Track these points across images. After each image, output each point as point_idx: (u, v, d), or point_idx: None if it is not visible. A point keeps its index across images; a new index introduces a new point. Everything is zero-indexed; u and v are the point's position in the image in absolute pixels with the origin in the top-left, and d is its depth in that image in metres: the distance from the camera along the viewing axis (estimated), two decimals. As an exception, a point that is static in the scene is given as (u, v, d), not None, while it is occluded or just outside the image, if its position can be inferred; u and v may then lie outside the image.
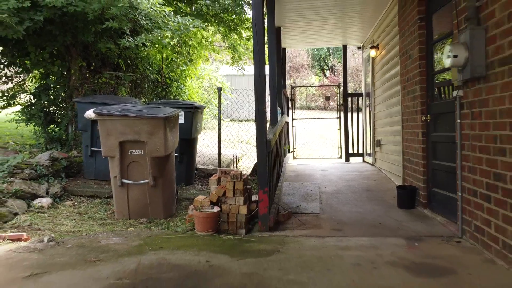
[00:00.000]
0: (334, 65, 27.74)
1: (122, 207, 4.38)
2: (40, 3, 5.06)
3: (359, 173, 6.80)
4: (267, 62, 5.39)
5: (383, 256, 2.92)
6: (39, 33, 5.81)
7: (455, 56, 2.88)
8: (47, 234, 3.61)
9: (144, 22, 5.54)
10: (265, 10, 5.04)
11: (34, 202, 4.68)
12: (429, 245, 3.19)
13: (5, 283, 2.53)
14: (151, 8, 5.16)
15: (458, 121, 3.30)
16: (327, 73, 28.93)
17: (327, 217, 4.20)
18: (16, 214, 4.29)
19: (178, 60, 9.98)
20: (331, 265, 2.76)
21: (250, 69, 6.87)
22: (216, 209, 3.72)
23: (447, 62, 2.97)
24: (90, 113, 4.25)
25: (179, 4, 7.14)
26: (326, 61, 29.64)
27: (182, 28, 5.31)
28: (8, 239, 3.50)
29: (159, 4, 5.29)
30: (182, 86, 10.64)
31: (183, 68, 10.43)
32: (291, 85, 9.97)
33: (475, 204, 3.08)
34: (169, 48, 7.15)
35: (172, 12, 5.77)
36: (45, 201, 4.76)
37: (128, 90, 8.26)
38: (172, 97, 9.96)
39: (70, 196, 5.24)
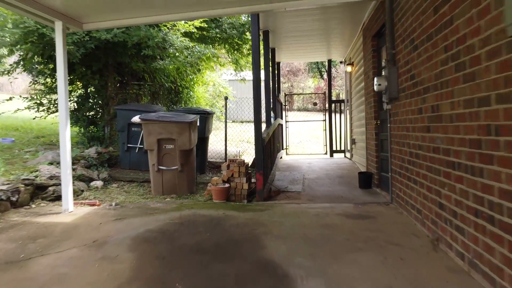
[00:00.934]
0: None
1: (158, 186, 6.06)
2: (93, 35, 6.73)
3: (337, 165, 8.50)
4: (263, 73, 7.08)
5: (335, 211, 4.60)
6: (87, 55, 7.49)
7: (379, 85, 4.56)
8: (113, 202, 5.30)
9: (171, 51, 7.24)
10: (262, 34, 6.72)
11: (91, 184, 6.36)
12: (368, 207, 4.87)
13: (103, 223, 4.21)
14: (179, 41, 6.85)
15: (388, 125, 4.98)
16: (325, 75, 30.60)
17: (306, 193, 5.88)
18: (82, 191, 5.97)
19: (188, 71, 11.70)
20: (300, 214, 4.44)
21: (250, 74, 8.56)
22: (227, 185, 5.40)
23: (375, 88, 4.66)
24: (136, 119, 5.94)
25: (196, 31, 8.85)
26: (324, 63, 31.24)
27: (199, 54, 7.02)
28: (86, 204, 5.18)
29: (181, 36, 6.98)
30: (191, 92, 12.34)
31: (192, 77, 12.14)
32: (285, 93, 11.67)
33: (395, 180, 4.76)
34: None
35: (191, 44, 7.48)
36: (99, 183, 6.43)
37: (149, 97, 9.96)
38: (183, 102, 11.66)
39: (114, 181, 6.92)
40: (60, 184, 5.05)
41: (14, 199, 4.70)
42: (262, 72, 6.72)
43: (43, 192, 5.17)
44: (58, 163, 6.17)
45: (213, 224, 4.08)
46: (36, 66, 7.85)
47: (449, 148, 3.08)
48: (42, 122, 9.92)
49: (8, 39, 7.13)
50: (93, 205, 5.17)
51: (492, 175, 2.44)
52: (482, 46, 2.52)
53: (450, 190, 3.08)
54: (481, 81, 2.55)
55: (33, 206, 4.95)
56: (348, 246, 3.36)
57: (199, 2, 4.47)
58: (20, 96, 8.41)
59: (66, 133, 4.71)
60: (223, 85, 16.78)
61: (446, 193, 3.16)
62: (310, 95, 22.98)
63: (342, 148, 10.26)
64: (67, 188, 4.67)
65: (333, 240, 3.53)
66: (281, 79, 24.28)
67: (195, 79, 12.79)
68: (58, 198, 5.17)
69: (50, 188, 5.24)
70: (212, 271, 2.85)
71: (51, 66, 7.71)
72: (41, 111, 8.16)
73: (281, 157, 9.68)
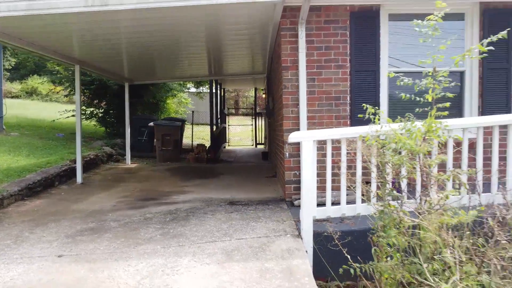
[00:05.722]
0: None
1: (161, 158, 12.06)
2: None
3: (255, 150, 14.94)
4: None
5: (247, 166, 10.94)
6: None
7: (265, 109, 10.96)
8: (144, 162, 11.30)
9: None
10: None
11: (124, 157, 12.22)
12: (261, 163, 11.23)
13: (148, 167, 10.24)
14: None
15: (268, 128, 11.39)
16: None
17: (235, 161, 12.17)
18: (124, 158, 11.84)
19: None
20: (230, 166, 10.77)
21: (206, 87, 14.90)
22: (196, 155, 11.56)
23: (265, 110, 11.04)
24: (151, 123, 11.90)
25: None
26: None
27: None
28: (133, 164, 11.11)
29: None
30: (165, 104, 18.35)
31: (167, 95, 18.17)
32: (227, 108, 18.00)
33: (270, 155, 11.19)
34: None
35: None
36: (127, 158, 12.30)
37: (141, 108, 15.82)
38: (159, 112, 17.61)
39: (132, 158, 12.80)
40: (118, 154, 10.93)
41: (104, 159, 10.55)
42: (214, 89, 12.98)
43: (111, 158, 11.03)
44: (107, 145, 12.01)
45: (192, 168, 10.26)
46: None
47: (274, 139, 9.46)
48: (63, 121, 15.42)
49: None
50: (135, 164, 11.11)
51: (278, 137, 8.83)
52: (280, 104, 8.90)
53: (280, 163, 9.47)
54: (279, 113, 8.93)
55: (110, 163, 10.81)
56: (250, 169, 9.68)
57: (191, 76, 10.64)
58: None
59: (127, 129, 10.66)
60: (184, 97, 22.87)
61: (279, 163, 9.56)
62: (248, 104, 29.35)
63: (263, 142, 16.70)
64: (129, 155, 10.64)
65: (243, 169, 9.84)
66: (230, 90, 30.71)
67: (168, 96, 18.81)
68: (118, 160, 11.05)
69: (114, 156, 11.11)
70: (193, 176, 9.04)
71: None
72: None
73: (224, 147, 15.95)
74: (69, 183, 7.64)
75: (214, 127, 12.72)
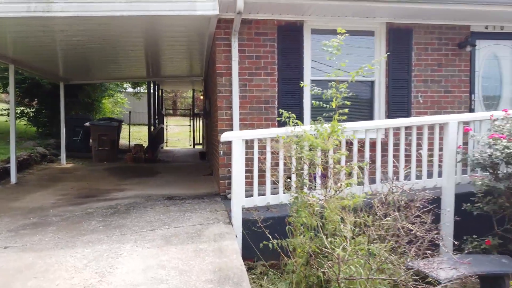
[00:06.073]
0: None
1: (97, 158, 12.06)
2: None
3: (193, 151, 15.33)
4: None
5: (184, 164, 11.33)
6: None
7: (203, 110, 11.44)
8: (80, 162, 11.26)
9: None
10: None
11: (58, 157, 12.05)
12: (198, 163, 11.68)
13: (85, 167, 10.28)
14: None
15: (205, 129, 11.87)
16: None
17: (173, 160, 12.49)
18: (59, 159, 11.69)
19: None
20: (168, 165, 11.09)
21: (144, 88, 15.05)
22: (134, 155, 11.74)
23: (203, 112, 11.52)
24: (87, 123, 11.87)
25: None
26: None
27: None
28: (69, 163, 11.03)
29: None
30: (101, 104, 18.09)
31: (103, 95, 17.92)
32: (165, 108, 18.18)
33: (207, 154, 11.69)
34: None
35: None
36: (62, 158, 12.14)
37: (76, 109, 15.54)
38: (95, 112, 17.35)
39: (67, 158, 12.64)
40: (51, 155, 10.82)
41: (37, 159, 10.40)
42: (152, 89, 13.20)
43: (45, 158, 10.87)
44: (40, 146, 11.79)
45: (130, 167, 10.48)
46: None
47: (211, 139, 9.97)
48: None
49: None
50: (71, 164, 11.06)
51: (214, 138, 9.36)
52: (215, 107, 9.44)
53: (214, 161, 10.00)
54: (214, 115, 9.45)
55: (44, 163, 10.66)
56: (188, 168, 10.09)
57: (129, 77, 10.82)
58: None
59: (62, 129, 10.60)
60: (120, 97, 22.58)
61: (214, 163, 10.08)
62: (186, 105, 29.54)
63: (201, 142, 17.11)
64: (64, 155, 10.58)
65: (181, 168, 10.23)
66: (168, 90, 30.68)
67: (104, 96, 18.55)
68: (52, 160, 10.93)
69: (48, 156, 10.97)
70: (132, 175, 9.30)
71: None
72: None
73: (162, 147, 16.15)
74: (2, 183, 7.60)
75: (152, 128, 12.99)
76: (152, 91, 14.02)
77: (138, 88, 20.35)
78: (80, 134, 13.13)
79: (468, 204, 4.48)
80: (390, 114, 6.59)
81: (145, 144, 15.22)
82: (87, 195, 6.51)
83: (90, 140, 12.47)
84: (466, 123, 5.09)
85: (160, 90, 16.46)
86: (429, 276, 3.52)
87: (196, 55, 8.86)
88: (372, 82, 6.71)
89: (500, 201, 4.18)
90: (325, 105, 3.92)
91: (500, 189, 4.15)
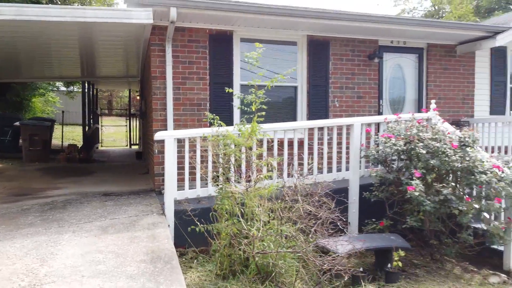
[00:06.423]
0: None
1: (28, 158, 11.80)
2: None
3: (130, 151, 15.40)
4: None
5: (123, 163, 11.47)
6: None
7: (138, 111, 11.65)
8: (9, 163, 10.98)
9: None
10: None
11: (-15, 158, 11.61)
12: (134, 162, 11.86)
13: (19, 168, 10.10)
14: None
15: (142, 129, 12.09)
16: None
17: (109, 160, 12.54)
18: (-16, 160, 11.27)
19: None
20: (104, 165, 11.18)
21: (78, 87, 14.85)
22: (68, 155, 11.66)
23: (139, 112, 11.73)
24: (17, 123, 11.57)
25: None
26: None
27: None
28: (-6, 165, 10.72)
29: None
30: (30, 103, 17.44)
31: (33, 93, 17.30)
32: (100, 108, 17.97)
33: (144, 154, 11.92)
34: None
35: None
36: (-11, 158, 11.72)
37: (4, 107, 14.93)
38: (24, 111, 16.72)
39: (-5, 157, 12.20)
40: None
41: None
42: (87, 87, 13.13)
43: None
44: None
45: (64, 167, 10.46)
46: None
47: (147, 139, 10.26)
48: None
49: None
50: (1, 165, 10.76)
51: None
52: (151, 108, 9.75)
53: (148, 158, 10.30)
54: (150, 116, 9.76)
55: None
56: (124, 167, 10.27)
57: (62, 76, 10.76)
58: None
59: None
60: (52, 96, 21.82)
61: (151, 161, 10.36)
62: (122, 105, 29.10)
63: (137, 143, 17.14)
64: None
65: (117, 167, 10.40)
66: (103, 90, 29.97)
67: (34, 95, 17.89)
68: (-22, 161, 10.56)
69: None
70: (67, 175, 9.36)
71: None
72: None
73: (97, 148, 16.00)
74: None
75: (87, 128, 12.94)
76: (86, 90, 13.91)
77: (72, 87, 19.85)
78: (9, 134, 12.74)
79: (367, 192, 5.34)
80: (311, 116, 7.40)
81: (80, 144, 15.06)
82: (22, 194, 6.61)
83: (20, 140, 12.16)
84: (368, 125, 5.99)
85: (95, 90, 16.28)
86: (330, 250, 4.27)
87: (133, 58, 9.15)
88: (296, 88, 7.49)
89: (390, 189, 5.07)
90: (246, 108, 4.54)
91: (390, 179, 5.04)
